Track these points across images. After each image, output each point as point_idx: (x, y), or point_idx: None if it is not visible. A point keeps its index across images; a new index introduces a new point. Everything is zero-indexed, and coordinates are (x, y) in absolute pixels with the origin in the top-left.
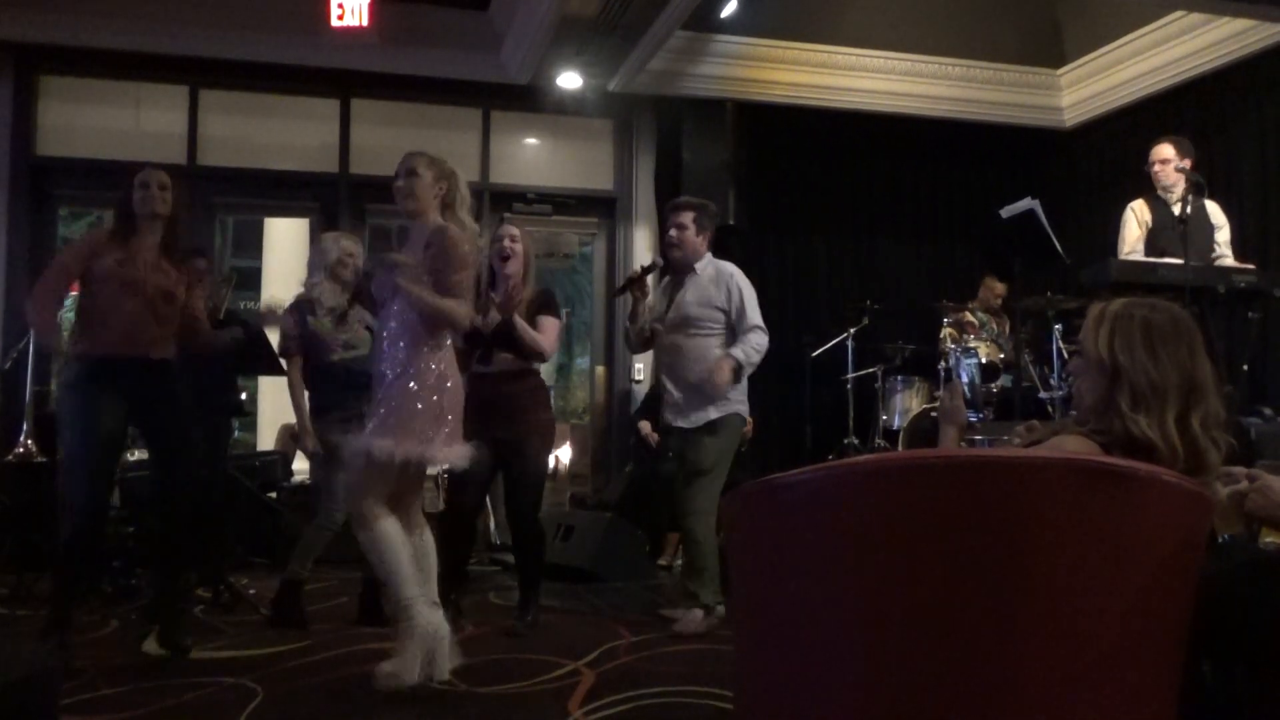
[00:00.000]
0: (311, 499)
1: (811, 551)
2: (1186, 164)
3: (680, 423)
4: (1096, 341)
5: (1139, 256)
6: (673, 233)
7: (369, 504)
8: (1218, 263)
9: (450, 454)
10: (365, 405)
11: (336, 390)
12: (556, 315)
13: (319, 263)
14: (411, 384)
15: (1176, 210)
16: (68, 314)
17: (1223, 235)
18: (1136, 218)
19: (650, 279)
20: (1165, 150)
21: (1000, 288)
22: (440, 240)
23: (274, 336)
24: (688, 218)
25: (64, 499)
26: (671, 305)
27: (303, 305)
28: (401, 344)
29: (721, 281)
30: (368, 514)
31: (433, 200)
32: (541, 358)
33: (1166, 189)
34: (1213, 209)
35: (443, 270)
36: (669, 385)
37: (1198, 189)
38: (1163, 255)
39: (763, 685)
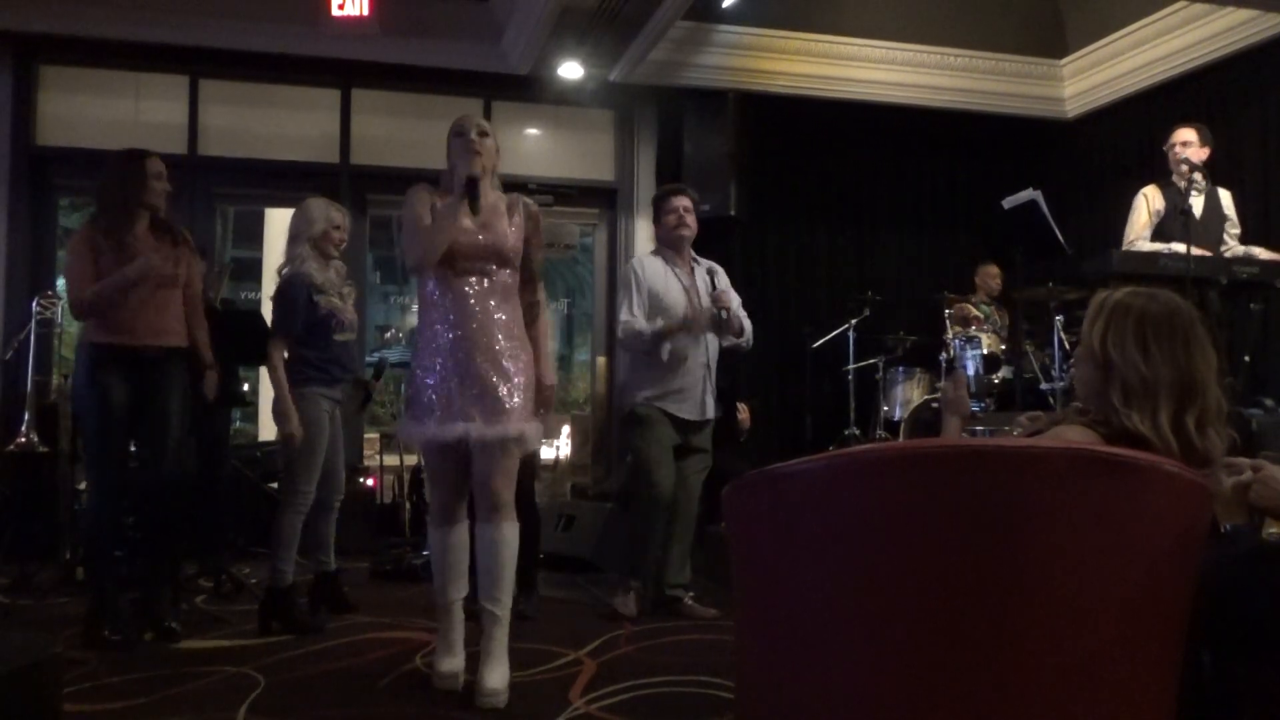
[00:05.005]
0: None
1: (812, 541)
2: (1205, 153)
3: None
4: (1092, 333)
5: (1144, 244)
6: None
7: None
8: (1228, 253)
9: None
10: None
11: (339, 370)
12: None
13: (303, 232)
14: (525, 358)
15: (1192, 198)
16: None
17: (1234, 229)
18: (1148, 204)
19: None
20: (1188, 133)
21: (995, 269)
22: (539, 221)
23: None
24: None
25: (64, 486)
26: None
27: (297, 282)
28: (503, 316)
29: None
30: (512, 503)
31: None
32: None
33: (1192, 168)
34: (1226, 200)
35: (538, 248)
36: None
37: (1203, 178)
38: (1170, 242)
39: (763, 675)
